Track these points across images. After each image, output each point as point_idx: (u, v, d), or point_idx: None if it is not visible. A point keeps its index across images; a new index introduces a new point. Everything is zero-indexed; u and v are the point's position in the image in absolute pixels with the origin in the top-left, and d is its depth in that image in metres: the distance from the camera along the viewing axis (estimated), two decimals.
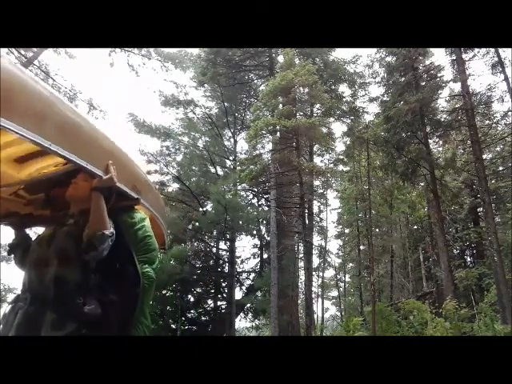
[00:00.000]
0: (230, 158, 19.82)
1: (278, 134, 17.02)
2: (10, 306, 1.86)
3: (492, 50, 12.27)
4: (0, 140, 1.72)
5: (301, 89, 16.04)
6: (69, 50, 13.90)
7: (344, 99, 19.13)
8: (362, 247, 20.04)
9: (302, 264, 18.90)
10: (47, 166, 2.25)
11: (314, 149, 18.77)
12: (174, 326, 16.22)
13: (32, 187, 2.18)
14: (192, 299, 17.52)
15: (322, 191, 22.13)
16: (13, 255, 2.06)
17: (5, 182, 2.04)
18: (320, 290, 23.74)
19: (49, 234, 1.94)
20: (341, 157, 19.52)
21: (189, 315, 17.05)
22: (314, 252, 19.88)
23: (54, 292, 1.77)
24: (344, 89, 19.79)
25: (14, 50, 11.40)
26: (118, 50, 15.50)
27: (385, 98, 15.80)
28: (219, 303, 17.91)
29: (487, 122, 15.46)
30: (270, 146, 17.98)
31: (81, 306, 1.78)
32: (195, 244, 18.15)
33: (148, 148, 18.45)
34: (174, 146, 18.95)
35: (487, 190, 11.72)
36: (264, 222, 19.33)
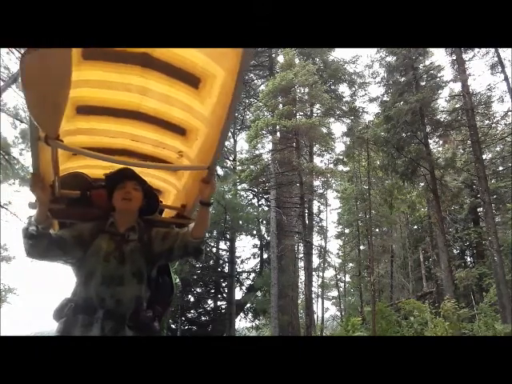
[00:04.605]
0: (230, 158, 19.81)
1: (278, 133, 17.02)
2: (70, 318, 1.74)
3: (492, 49, 12.28)
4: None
5: (301, 89, 16.04)
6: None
7: (344, 99, 19.13)
8: (361, 247, 20.02)
9: (302, 264, 18.90)
10: (86, 166, 2.22)
11: (314, 149, 18.76)
12: (174, 326, 16.22)
13: (64, 183, 2.01)
14: (192, 299, 17.54)
15: (321, 191, 22.12)
16: (32, 241, 1.71)
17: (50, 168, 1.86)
18: (320, 289, 23.72)
19: (113, 249, 1.84)
20: (341, 157, 19.51)
21: (189, 315, 17.06)
22: (313, 252, 19.87)
23: (133, 310, 1.78)
24: (344, 89, 19.82)
25: (14, 50, 11.39)
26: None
27: (385, 98, 15.81)
28: (219, 303, 17.93)
29: (487, 121, 15.46)
30: (270, 146, 17.99)
31: (152, 321, 1.85)
32: None
33: None
34: None
35: (487, 190, 11.73)
36: (264, 222, 19.34)
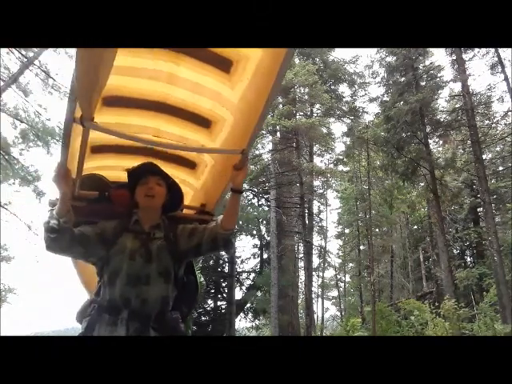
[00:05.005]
0: None
1: (278, 134, 17.03)
2: (94, 317, 1.72)
3: (492, 49, 12.28)
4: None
5: (301, 89, 16.05)
6: (69, 50, 13.89)
7: (344, 99, 19.14)
8: (361, 247, 20.03)
9: (302, 264, 18.90)
10: (104, 167, 2.18)
11: (314, 149, 18.78)
12: None
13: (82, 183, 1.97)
14: None
15: (321, 191, 22.13)
16: (53, 236, 1.63)
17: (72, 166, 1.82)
18: (320, 289, 23.74)
19: (139, 247, 1.78)
20: (341, 157, 19.52)
21: None
22: (314, 252, 19.89)
23: (158, 311, 1.74)
24: (344, 89, 19.79)
25: (14, 50, 11.40)
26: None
27: (385, 98, 15.81)
28: (219, 303, 17.92)
29: (487, 121, 15.47)
30: (270, 146, 18.00)
31: (179, 323, 1.81)
32: None
33: None
34: None
35: (487, 190, 11.73)
36: (264, 222, 19.33)
